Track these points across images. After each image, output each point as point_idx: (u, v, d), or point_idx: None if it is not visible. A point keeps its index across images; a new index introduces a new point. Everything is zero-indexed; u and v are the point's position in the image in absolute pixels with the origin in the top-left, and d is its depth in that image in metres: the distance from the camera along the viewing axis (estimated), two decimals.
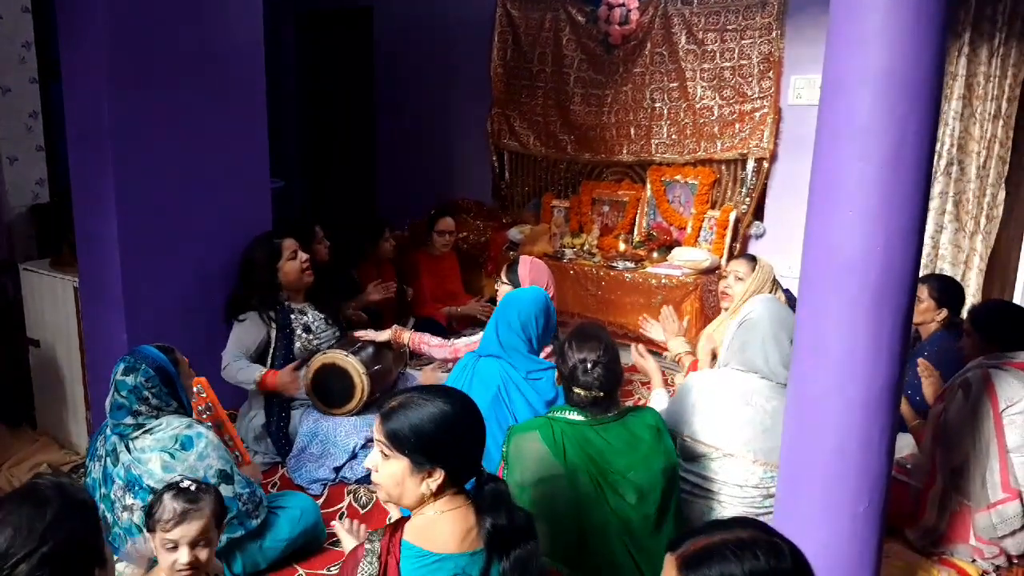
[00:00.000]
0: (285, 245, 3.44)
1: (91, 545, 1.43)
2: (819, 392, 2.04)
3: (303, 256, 3.48)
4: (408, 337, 3.47)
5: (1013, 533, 2.69)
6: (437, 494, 1.71)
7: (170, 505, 1.89)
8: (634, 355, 3.26)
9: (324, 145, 7.11)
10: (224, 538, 2.44)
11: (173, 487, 1.95)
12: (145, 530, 1.96)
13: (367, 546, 1.70)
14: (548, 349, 3.32)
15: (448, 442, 1.70)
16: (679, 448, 2.76)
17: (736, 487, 2.61)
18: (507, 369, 2.94)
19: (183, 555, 1.86)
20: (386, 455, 1.72)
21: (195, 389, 2.86)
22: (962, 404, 2.77)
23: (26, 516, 1.34)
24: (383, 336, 3.49)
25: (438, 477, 1.69)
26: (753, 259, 3.69)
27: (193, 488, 1.95)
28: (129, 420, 2.42)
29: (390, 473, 1.72)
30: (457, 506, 1.71)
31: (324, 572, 2.68)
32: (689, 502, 2.66)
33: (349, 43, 6.76)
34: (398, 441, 1.70)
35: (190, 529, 1.88)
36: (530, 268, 3.70)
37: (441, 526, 1.69)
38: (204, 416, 2.86)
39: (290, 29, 6.95)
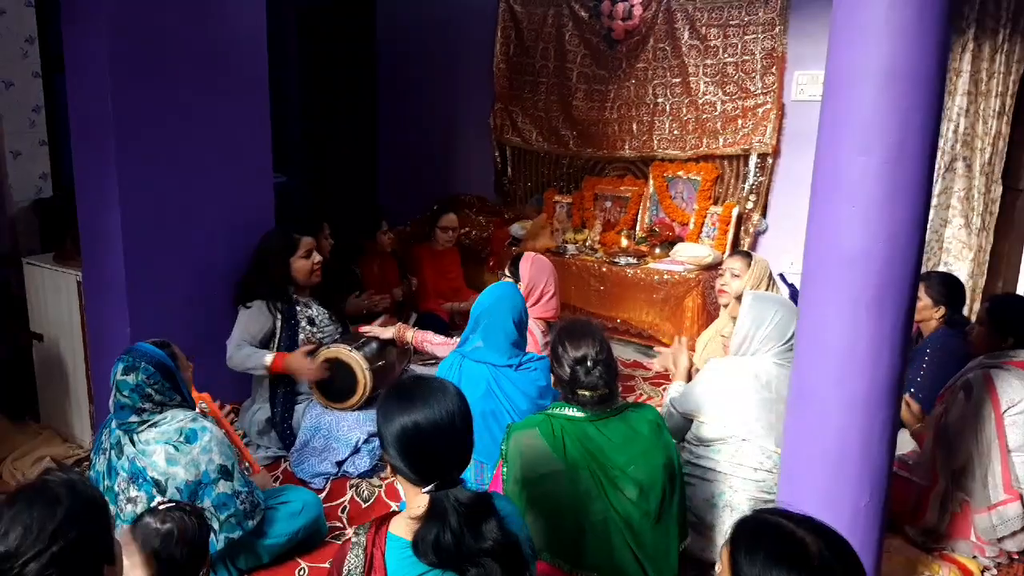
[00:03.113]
0: (303, 242, 3.49)
1: (101, 544, 1.42)
2: (821, 387, 2.04)
3: (316, 257, 3.53)
4: (412, 335, 3.49)
5: (1013, 534, 2.69)
6: (393, 475, 1.73)
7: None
8: (672, 351, 3.33)
9: (326, 140, 7.11)
10: (222, 538, 2.44)
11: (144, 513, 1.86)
12: None
13: (354, 539, 1.72)
14: (544, 340, 3.34)
15: (392, 441, 1.69)
16: (695, 431, 2.76)
17: (750, 470, 2.61)
18: (493, 368, 2.95)
19: None
20: None
21: (200, 405, 2.86)
22: (963, 405, 2.77)
23: (37, 515, 1.33)
24: (387, 333, 3.51)
25: (387, 461, 1.73)
26: (748, 255, 3.69)
27: (144, 521, 1.84)
28: (134, 418, 2.42)
29: None
30: None
31: (326, 565, 2.69)
32: (697, 486, 2.67)
33: (351, 38, 6.75)
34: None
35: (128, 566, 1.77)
36: (531, 264, 3.71)
37: None
38: None
39: (292, 24, 6.94)
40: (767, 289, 3.53)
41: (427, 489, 1.65)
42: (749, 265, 3.62)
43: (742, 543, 1.33)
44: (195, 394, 2.88)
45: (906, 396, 3.02)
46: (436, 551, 1.60)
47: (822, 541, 1.29)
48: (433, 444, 1.68)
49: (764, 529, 1.35)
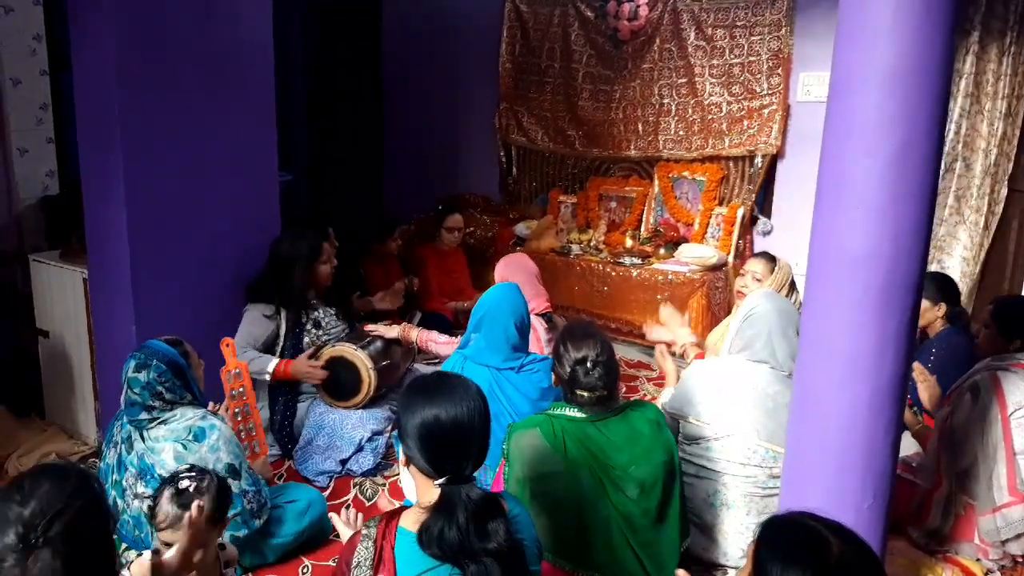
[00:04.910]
0: (325, 248, 3.49)
1: (106, 515, 1.53)
2: (825, 389, 2.04)
3: (334, 261, 3.55)
4: (416, 335, 3.50)
5: (1017, 537, 2.68)
6: (406, 465, 1.75)
7: (165, 508, 1.94)
8: (657, 356, 3.36)
9: (331, 139, 7.13)
10: (227, 535, 2.44)
11: (173, 485, 1.98)
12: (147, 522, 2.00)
13: (364, 531, 1.73)
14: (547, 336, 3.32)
15: (412, 433, 1.71)
16: (683, 430, 2.77)
17: (739, 466, 2.63)
18: (494, 370, 2.95)
19: (172, 557, 1.90)
20: None
21: (234, 372, 2.87)
22: (970, 407, 2.76)
23: (53, 481, 1.44)
24: (392, 332, 3.51)
25: (403, 455, 1.75)
26: (772, 260, 3.60)
27: (191, 489, 1.96)
28: (144, 415, 2.43)
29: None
30: None
31: (330, 563, 2.70)
32: (692, 485, 2.67)
33: (357, 38, 6.77)
34: (396, 412, 1.81)
35: (181, 534, 1.92)
36: (503, 263, 3.71)
37: None
38: (235, 400, 2.87)
39: (298, 23, 6.96)
40: (788, 295, 3.48)
41: (440, 482, 1.67)
42: (772, 271, 3.55)
43: (767, 538, 1.35)
44: (234, 359, 2.89)
45: (918, 379, 3.02)
46: (439, 543, 1.62)
47: (847, 546, 1.29)
48: (452, 438, 1.71)
49: (790, 527, 1.36)
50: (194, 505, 1.93)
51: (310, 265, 3.44)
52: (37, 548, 1.35)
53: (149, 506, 1.98)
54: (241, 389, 2.89)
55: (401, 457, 1.77)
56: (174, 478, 2.00)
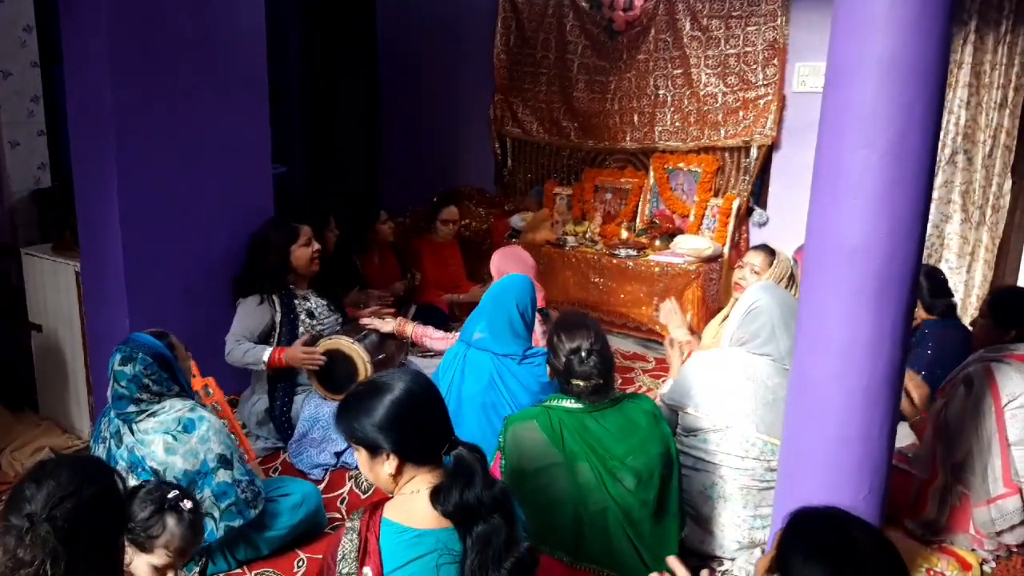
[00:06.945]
0: (303, 231, 3.47)
1: (118, 508, 1.58)
2: (821, 379, 2.04)
3: (315, 245, 3.51)
4: (411, 330, 3.50)
5: (1012, 528, 2.69)
6: (398, 474, 1.74)
7: (174, 530, 1.84)
8: (667, 346, 3.39)
9: (326, 131, 7.11)
10: (223, 526, 2.44)
11: (174, 508, 1.87)
12: (127, 534, 1.80)
13: (348, 524, 1.74)
14: (541, 329, 3.31)
15: (387, 428, 1.72)
16: (681, 422, 2.77)
17: (737, 458, 2.62)
18: (496, 360, 2.94)
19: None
20: (352, 446, 1.82)
21: (204, 390, 2.87)
22: (964, 399, 2.76)
23: (73, 469, 1.51)
24: (387, 326, 3.51)
25: (393, 460, 1.73)
26: (772, 252, 3.55)
27: (191, 509, 1.88)
28: (132, 408, 2.43)
29: (360, 462, 1.81)
30: (435, 482, 1.73)
31: None
32: (691, 477, 2.67)
33: (352, 29, 6.74)
34: (348, 434, 1.80)
35: (183, 557, 1.89)
36: (499, 255, 3.70)
37: (420, 502, 1.71)
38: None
39: (293, 14, 6.92)
40: (787, 288, 3.46)
41: (445, 451, 1.73)
42: (770, 264, 3.52)
43: (796, 528, 1.36)
44: (199, 378, 2.88)
45: (908, 384, 3.01)
46: (457, 505, 1.66)
47: (873, 545, 1.31)
48: (424, 409, 1.77)
49: (820, 521, 1.37)
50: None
51: (286, 248, 3.43)
52: (39, 524, 1.41)
53: (143, 524, 1.83)
54: (214, 405, 2.88)
55: (389, 469, 1.74)
56: (159, 501, 1.87)
